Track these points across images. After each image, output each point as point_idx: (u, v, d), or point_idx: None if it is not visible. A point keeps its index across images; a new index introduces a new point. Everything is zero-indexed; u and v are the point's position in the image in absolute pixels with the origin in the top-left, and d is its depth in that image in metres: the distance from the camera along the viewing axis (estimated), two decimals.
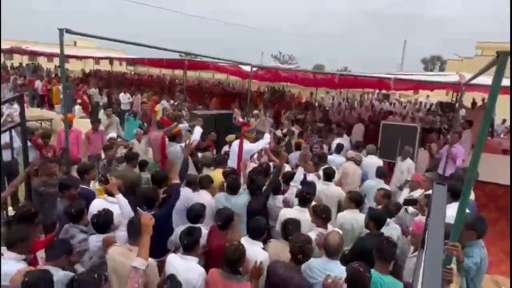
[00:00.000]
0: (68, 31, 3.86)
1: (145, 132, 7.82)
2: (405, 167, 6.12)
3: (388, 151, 6.73)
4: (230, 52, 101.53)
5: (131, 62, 22.19)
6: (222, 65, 11.52)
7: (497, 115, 11.96)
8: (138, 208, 2.75)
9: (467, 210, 3.23)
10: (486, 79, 5.87)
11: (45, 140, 5.52)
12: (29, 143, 4.77)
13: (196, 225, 2.83)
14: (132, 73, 26.97)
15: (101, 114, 8.02)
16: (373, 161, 5.80)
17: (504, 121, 12.76)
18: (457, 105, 7.12)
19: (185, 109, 8.84)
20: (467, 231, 2.70)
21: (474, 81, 4.43)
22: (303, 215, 3.30)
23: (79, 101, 11.89)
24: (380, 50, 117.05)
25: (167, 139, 4.94)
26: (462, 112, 10.52)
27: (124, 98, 11.80)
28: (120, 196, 3.02)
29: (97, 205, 3.21)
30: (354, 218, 3.49)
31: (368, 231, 3.15)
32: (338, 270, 2.43)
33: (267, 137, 5.37)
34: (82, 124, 7.95)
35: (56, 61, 23.77)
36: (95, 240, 2.79)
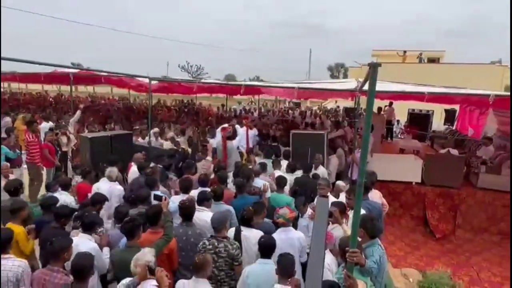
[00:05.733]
0: None
1: (16, 164, 6.82)
2: None
3: (300, 160, 7.07)
4: (132, 62, 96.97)
5: None
6: (117, 78, 10.80)
7: (396, 117, 13.91)
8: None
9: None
10: (381, 86, 6.74)
11: None
12: None
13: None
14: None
15: None
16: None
17: (398, 121, 14.82)
18: (360, 110, 8.01)
19: (68, 131, 8.03)
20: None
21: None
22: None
23: None
24: (290, 59, 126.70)
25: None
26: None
27: None
28: None
29: None
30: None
31: None
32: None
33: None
34: None
35: None
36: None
